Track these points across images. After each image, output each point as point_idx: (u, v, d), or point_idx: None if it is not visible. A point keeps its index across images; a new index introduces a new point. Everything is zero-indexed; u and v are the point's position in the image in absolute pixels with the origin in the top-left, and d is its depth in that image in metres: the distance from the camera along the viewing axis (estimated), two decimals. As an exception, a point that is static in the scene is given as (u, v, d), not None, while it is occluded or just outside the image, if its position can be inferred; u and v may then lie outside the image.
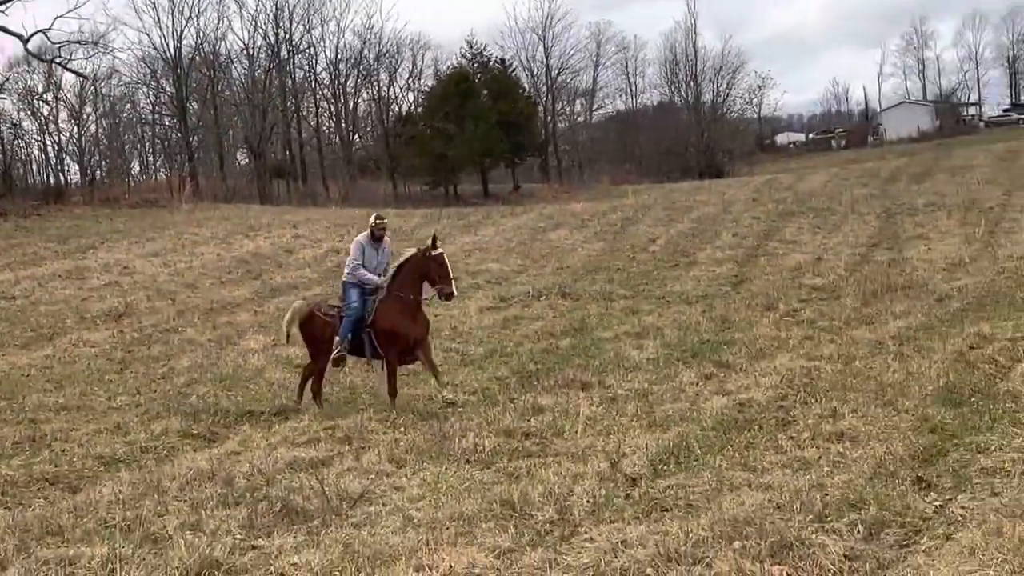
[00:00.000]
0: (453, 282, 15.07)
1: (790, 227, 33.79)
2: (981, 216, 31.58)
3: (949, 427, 10.25)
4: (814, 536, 7.29)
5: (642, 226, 37.72)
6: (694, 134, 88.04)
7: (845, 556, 7.04)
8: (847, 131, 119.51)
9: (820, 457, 9.63)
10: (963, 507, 7.87)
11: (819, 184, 45.92)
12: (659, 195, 49.62)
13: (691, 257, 30.12)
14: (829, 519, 7.72)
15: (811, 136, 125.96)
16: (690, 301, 22.60)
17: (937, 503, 8.03)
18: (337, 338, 15.02)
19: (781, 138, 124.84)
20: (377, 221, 15.32)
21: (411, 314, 14.89)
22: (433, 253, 14.88)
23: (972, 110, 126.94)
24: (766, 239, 31.87)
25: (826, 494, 8.26)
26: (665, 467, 9.78)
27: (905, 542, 7.29)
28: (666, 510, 8.45)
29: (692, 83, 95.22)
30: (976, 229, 29.26)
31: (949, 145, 70.16)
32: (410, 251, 15.31)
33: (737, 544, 7.20)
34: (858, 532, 7.45)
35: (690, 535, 7.47)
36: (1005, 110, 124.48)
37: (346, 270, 15.29)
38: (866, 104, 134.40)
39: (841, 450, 9.76)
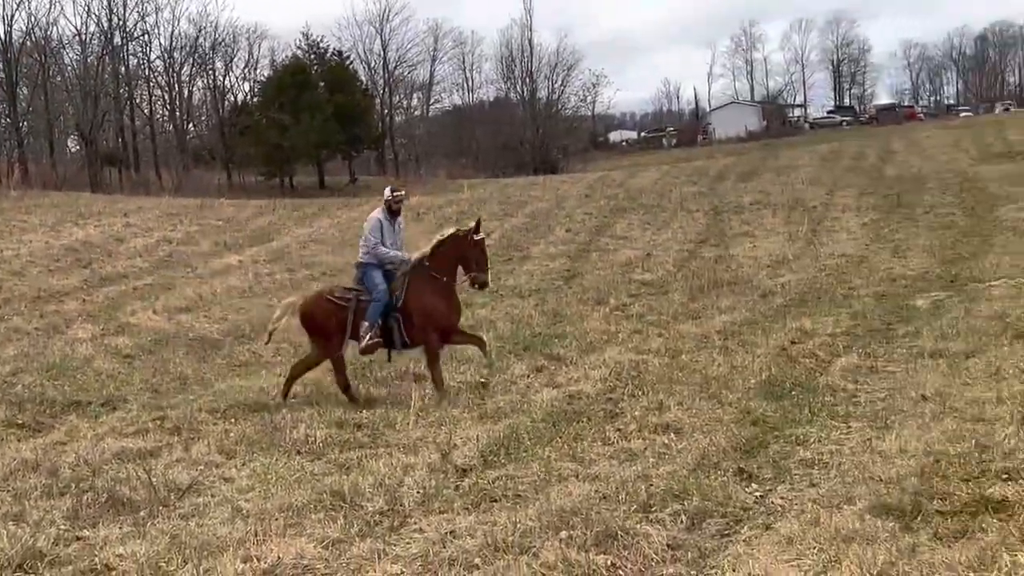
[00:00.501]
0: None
1: (621, 223, 34.23)
2: (805, 215, 32.42)
3: (770, 420, 10.53)
4: (638, 526, 7.43)
5: (477, 220, 37.82)
6: (529, 130, 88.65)
7: (668, 546, 7.19)
8: (678, 130, 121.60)
9: (646, 448, 9.81)
10: (782, 498, 8.10)
11: (650, 181, 46.59)
12: (494, 190, 49.85)
13: (524, 252, 30.34)
14: (653, 509, 7.87)
15: (643, 134, 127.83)
16: (523, 295, 22.79)
17: (758, 494, 8.25)
18: (364, 323, 13.75)
19: (614, 136, 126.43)
20: (395, 194, 14.32)
21: (446, 297, 13.95)
22: (475, 237, 13.95)
23: (798, 111, 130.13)
24: (598, 235, 32.24)
25: (651, 485, 8.42)
26: (495, 458, 9.86)
27: (726, 532, 7.47)
28: (495, 501, 8.52)
29: (528, 80, 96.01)
30: (799, 227, 30.03)
31: (775, 145, 71.79)
32: (449, 231, 14.31)
33: (563, 534, 7.30)
34: (681, 522, 7.61)
35: (518, 525, 7.55)
36: (829, 112, 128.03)
37: (363, 250, 14.14)
38: (696, 104, 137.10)
39: (666, 442, 9.95)
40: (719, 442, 9.65)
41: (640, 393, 12.19)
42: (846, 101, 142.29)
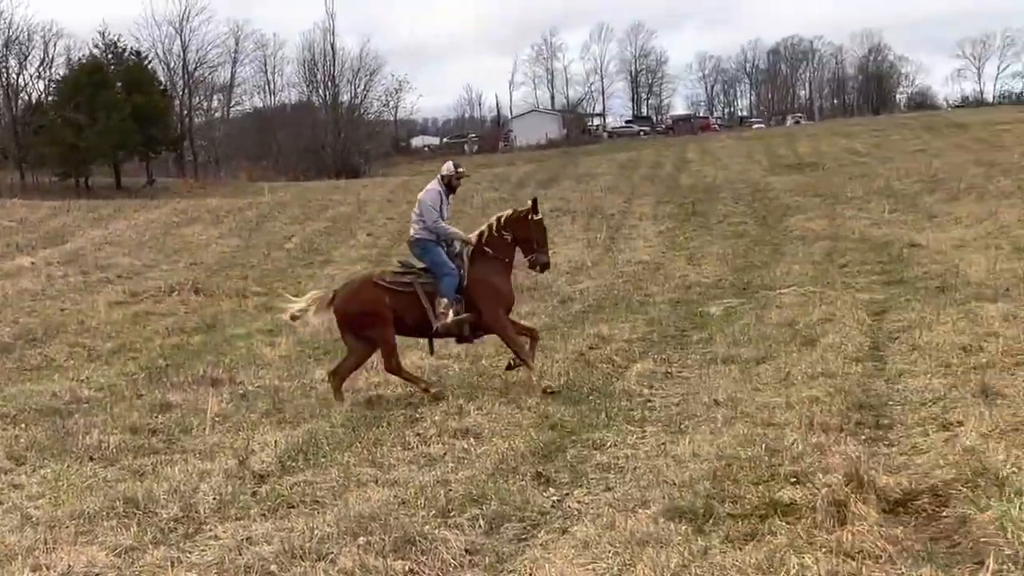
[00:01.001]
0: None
1: (422, 228, 34.17)
2: (603, 222, 32.94)
3: (568, 424, 10.68)
4: (437, 531, 7.46)
5: (278, 223, 37.50)
6: (331, 134, 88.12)
7: (466, 550, 7.24)
8: (480, 136, 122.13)
9: (445, 453, 9.86)
10: (579, 502, 8.22)
11: (452, 187, 46.66)
12: (296, 193, 49.43)
13: (326, 255, 30.17)
14: (452, 514, 7.92)
15: (445, 140, 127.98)
16: (323, 299, 22.59)
17: (555, 498, 8.36)
18: (442, 300, 12.95)
19: (417, 141, 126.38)
20: (459, 171, 13.73)
21: (508, 279, 13.44)
22: (535, 217, 13.47)
23: (597, 120, 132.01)
24: (400, 240, 32.13)
25: (450, 490, 8.48)
26: (293, 464, 9.79)
27: (524, 536, 7.55)
28: (293, 507, 8.47)
29: (330, 84, 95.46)
30: (598, 234, 30.48)
31: (575, 153, 72.75)
32: (506, 211, 13.77)
33: (361, 540, 7.29)
34: (479, 526, 7.67)
35: (315, 531, 7.52)
36: (627, 121, 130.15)
37: (419, 226, 13.34)
38: (498, 111, 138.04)
39: (466, 446, 10.01)
40: (518, 446, 9.75)
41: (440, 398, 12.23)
42: (644, 111, 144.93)
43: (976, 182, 33.71)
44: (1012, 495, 7.30)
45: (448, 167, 13.71)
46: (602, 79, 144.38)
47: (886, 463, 8.54)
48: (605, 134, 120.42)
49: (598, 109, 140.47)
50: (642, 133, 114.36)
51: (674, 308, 18.31)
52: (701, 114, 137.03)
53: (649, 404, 11.52)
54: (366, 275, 14.09)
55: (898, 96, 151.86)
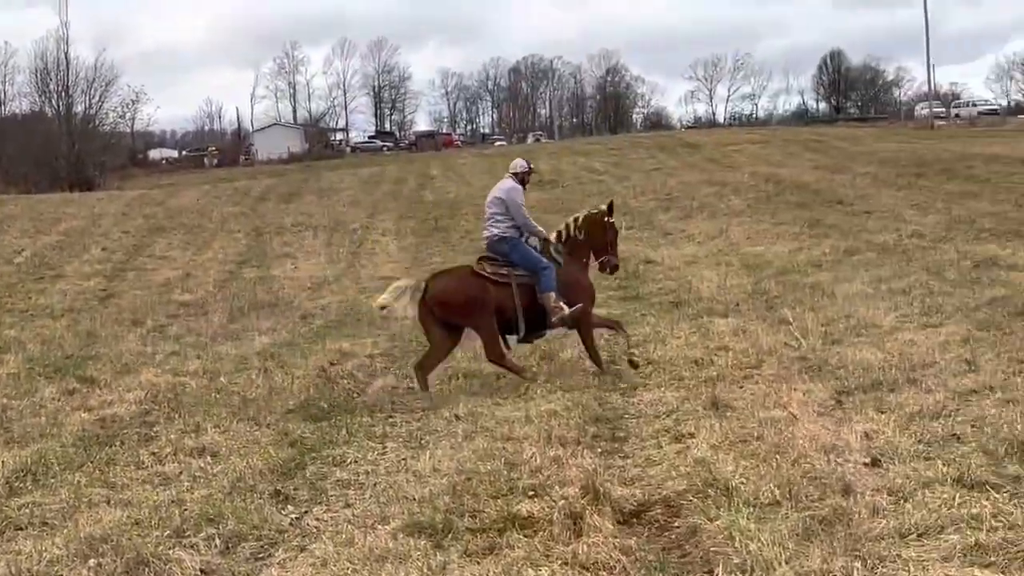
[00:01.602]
0: None
1: (160, 243, 33.45)
2: (345, 237, 32.79)
3: (309, 441, 10.57)
4: (171, 551, 7.28)
5: (7, 238, 36.02)
6: (65, 145, 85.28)
7: (201, 570, 7.10)
8: (220, 150, 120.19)
9: (181, 472, 9.64)
10: (318, 519, 8.15)
11: (190, 201, 45.78)
12: (26, 206, 47.57)
13: (57, 271, 29.10)
14: (187, 534, 7.74)
15: (184, 153, 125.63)
16: (55, 315, 21.85)
17: (294, 516, 8.26)
18: (550, 294, 13.10)
19: (154, 153, 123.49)
20: (531, 166, 14.32)
21: (587, 276, 13.88)
22: (609, 220, 13.90)
23: (340, 135, 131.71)
24: (136, 254, 31.37)
25: (185, 509, 8.28)
26: (21, 485, 9.42)
27: (261, 555, 7.44)
28: (20, 529, 8.16)
29: (64, 94, 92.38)
30: (340, 250, 30.34)
31: (318, 168, 72.19)
32: (583, 212, 14.13)
33: (92, 562, 7.06)
34: (215, 546, 7.52)
35: (44, 554, 7.26)
36: (371, 137, 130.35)
37: (506, 223, 13.50)
38: (239, 124, 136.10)
39: (202, 465, 9.81)
40: (256, 464, 9.60)
41: (176, 416, 11.97)
42: (387, 126, 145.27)
43: (708, 201, 34.84)
44: (740, 505, 7.56)
45: (521, 164, 14.12)
46: (345, 94, 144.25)
47: (621, 475, 8.75)
48: (348, 149, 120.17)
49: (341, 124, 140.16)
50: (386, 148, 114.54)
51: (416, 323, 18.32)
52: (444, 130, 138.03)
53: (391, 420, 11.50)
54: (465, 266, 14.09)
55: (635, 116, 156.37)
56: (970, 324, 14.10)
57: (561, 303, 13.15)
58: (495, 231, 13.61)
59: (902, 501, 7.59)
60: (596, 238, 13.91)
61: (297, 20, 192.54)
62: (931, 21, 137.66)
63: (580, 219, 13.90)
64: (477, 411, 11.24)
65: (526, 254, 13.43)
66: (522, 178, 13.93)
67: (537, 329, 13.46)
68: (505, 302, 13.18)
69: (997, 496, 7.49)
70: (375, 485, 8.92)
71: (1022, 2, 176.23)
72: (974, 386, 10.76)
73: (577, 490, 7.98)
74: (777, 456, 8.73)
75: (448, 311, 13.21)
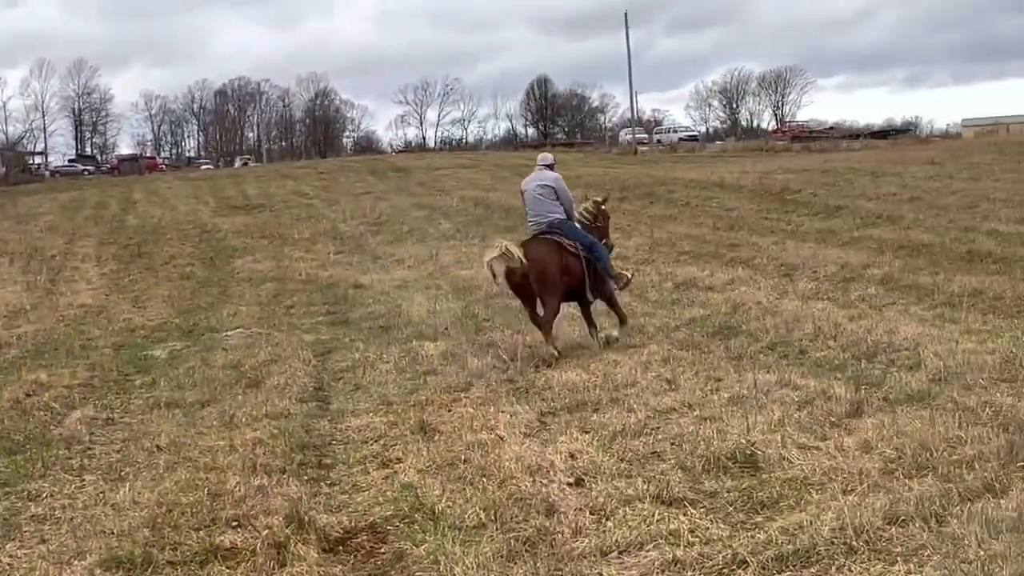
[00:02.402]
0: None
1: None
2: (43, 264, 31.63)
3: (1, 476, 10.13)
4: None
5: None
6: None
7: None
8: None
9: None
10: (11, 556, 7.83)
11: None
12: None
13: None
14: None
15: None
16: None
17: (-26, 554, 7.91)
18: (610, 264, 15.49)
19: None
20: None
21: None
22: (604, 207, 16.28)
23: (39, 159, 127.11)
24: None
25: None
26: None
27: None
28: None
29: None
30: (38, 277, 29.21)
31: (14, 193, 69.44)
32: (588, 203, 16.31)
33: None
34: None
35: None
36: (71, 160, 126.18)
37: (563, 207, 15.33)
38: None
39: None
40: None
41: None
42: (88, 150, 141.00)
43: (418, 224, 35.13)
44: (446, 529, 7.62)
45: (549, 157, 15.94)
46: (44, 116, 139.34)
47: (327, 502, 8.69)
48: (47, 173, 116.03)
49: (39, 147, 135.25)
50: (87, 172, 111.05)
51: (117, 352, 17.79)
52: (148, 154, 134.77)
53: (89, 452, 11.09)
54: (551, 239, 15.05)
55: (345, 140, 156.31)
56: (671, 344, 14.63)
57: (617, 278, 15.51)
58: (556, 215, 15.20)
59: (604, 519, 7.78)
60: (603, 223, 16.14)
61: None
62: (635, 49, 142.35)
63: (591, 207, 16.04)
64: (180, 441, 10.96)
65: (580, 234, 15.21)
66: (552, 166, 15.63)
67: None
68: (576, 271, 14.95)
69: (694, 512, 7.77)
70: (72, 520, 8.60)
71: (722, 33, 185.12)
72: (674, 404, 11.13)
73: (281, 519, 7.89)
74: (483, 479, 8.83)
75: (543, 277, 14.58)
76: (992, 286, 18.26)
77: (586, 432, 10.32)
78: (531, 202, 15.31)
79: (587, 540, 7.37)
